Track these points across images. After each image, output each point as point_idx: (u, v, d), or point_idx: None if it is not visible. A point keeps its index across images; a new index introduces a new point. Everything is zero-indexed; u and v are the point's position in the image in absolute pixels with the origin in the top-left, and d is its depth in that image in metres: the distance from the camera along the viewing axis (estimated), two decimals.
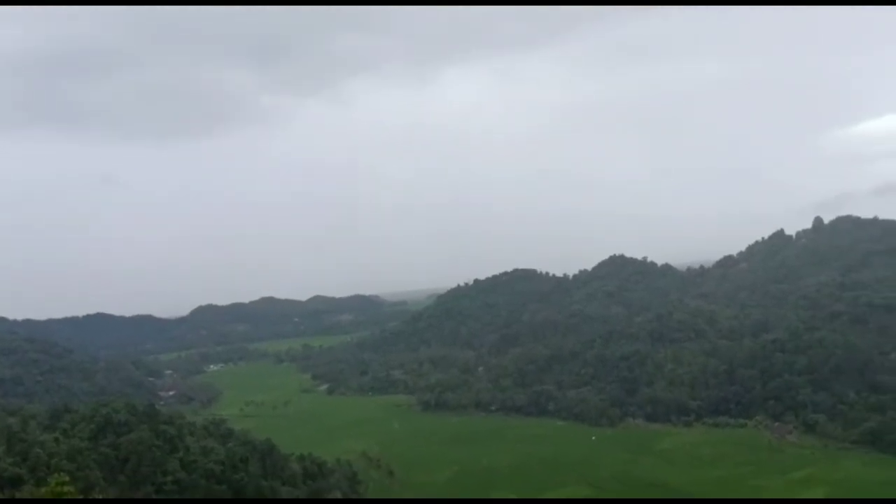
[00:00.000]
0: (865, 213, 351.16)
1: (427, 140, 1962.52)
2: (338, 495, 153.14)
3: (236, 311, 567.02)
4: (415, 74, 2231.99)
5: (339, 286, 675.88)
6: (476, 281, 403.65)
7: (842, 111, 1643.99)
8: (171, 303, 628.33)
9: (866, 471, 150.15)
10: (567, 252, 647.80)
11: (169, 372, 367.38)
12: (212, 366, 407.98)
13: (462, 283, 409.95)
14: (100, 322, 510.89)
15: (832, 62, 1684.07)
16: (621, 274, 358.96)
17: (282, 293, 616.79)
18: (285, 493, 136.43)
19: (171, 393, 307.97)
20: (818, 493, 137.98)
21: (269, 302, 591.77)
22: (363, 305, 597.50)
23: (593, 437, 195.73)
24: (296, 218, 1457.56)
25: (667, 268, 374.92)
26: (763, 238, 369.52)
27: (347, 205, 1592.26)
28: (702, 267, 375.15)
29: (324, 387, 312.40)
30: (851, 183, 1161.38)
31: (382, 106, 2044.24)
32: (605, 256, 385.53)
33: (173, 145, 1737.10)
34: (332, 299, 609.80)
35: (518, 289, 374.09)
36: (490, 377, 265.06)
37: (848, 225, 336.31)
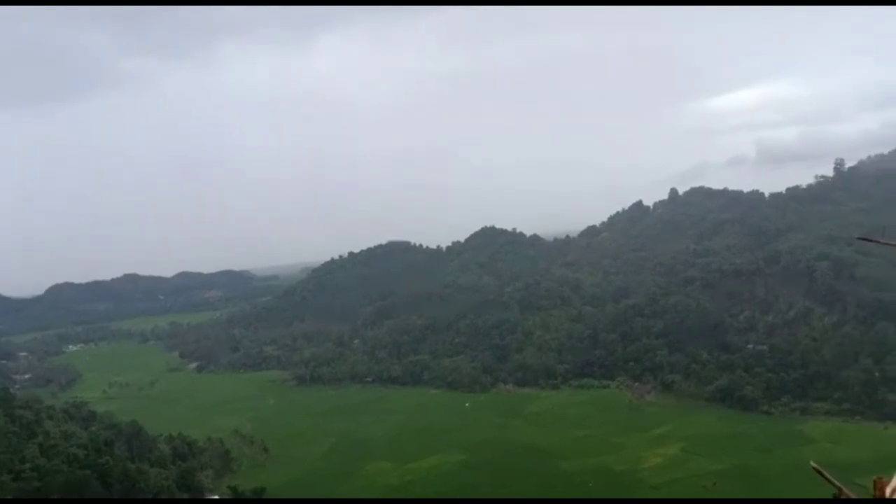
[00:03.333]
0: (718, 184, 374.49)
1: (300, 108, 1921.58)
2: (210, 474, 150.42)
3: (96, 289, 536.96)
4: (290, 39, 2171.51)
5: (206, 261, 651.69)
6: (350, 254, 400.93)
7: (699, 86, 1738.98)
8: (24, 281, 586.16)
9: (718, 425, 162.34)
10: (440, 224, 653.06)
11: (23, 354, 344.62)
12: (71, 346, 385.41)
13: (336, 257, 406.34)
14: None
15: (690, 38, 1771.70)
16: (492, 245, 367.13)
17: (145, 269, 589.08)
18: (154, 475, 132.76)
19: (26, 376, 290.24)
20: (675, 449, 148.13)
21: (131, 279, 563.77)
22: (233, 281, 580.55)
23: (467, 404, 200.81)
24: (161, 189, 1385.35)
25: (535, 238, 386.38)
26: (623, 209, 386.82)
27: (216, 175, 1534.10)
28: (567, 237, 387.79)
29: (193, 365, 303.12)
30: (707, 155, 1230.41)
31: (256, 72, 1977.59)
32: (477, 228, 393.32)
33: (26, 112, 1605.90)
34: (200, 275, 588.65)
35: (393, 261, 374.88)
36: (365, 349, 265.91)
37: (700, 196, 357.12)
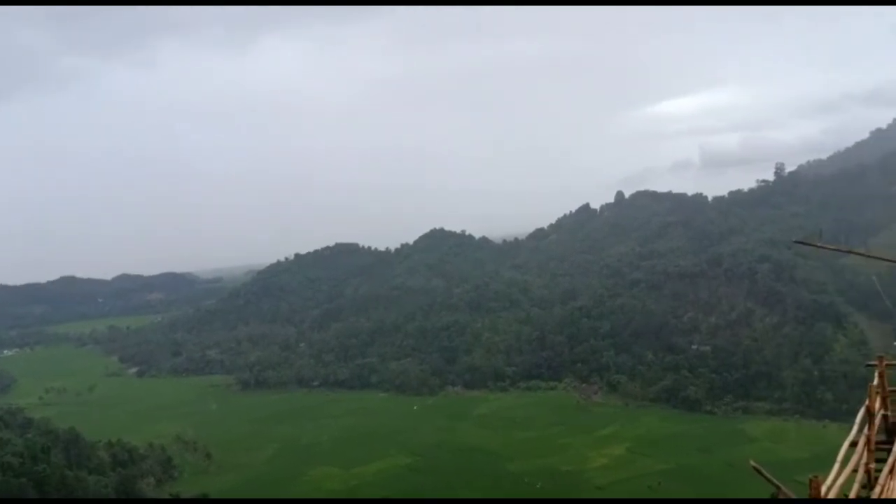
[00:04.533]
0: (663, 187, 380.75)
1: (246, 109, 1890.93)
2: (151, 482, 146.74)
3: (31, 292, 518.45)
4: (234, 40, 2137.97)
5: (147, 263, 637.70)
6: (297, 255, 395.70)
7: (645, 92, 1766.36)
8: None
9: (662, 425, 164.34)
10: (388, 226, 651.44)
11: None
12: (5, 351, 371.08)
13: (282, 259, 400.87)
14: None
15: (636, 46, 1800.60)
16: (441, 247, 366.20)
17: (83, 271, 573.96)
18: (93, 482, 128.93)
19: None
20: (621, 449, 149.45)
21: (69, 281, 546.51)
22: (175, 283, 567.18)
23: (415, 407, 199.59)
24: (101, 189, 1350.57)
25: (484, 240, 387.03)
26: (571, 211, 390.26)
27: (159, 175, 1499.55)
28: (516, 239, 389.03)
29: (133, 370, 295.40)
30: (652, 159, 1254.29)
31: (199, 72, 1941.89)
32: (426, 230, 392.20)
33: None
34: (141, 277, 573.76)
35: (340, 263, 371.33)
36: (312, 353, 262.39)
37: (646, 199, 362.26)
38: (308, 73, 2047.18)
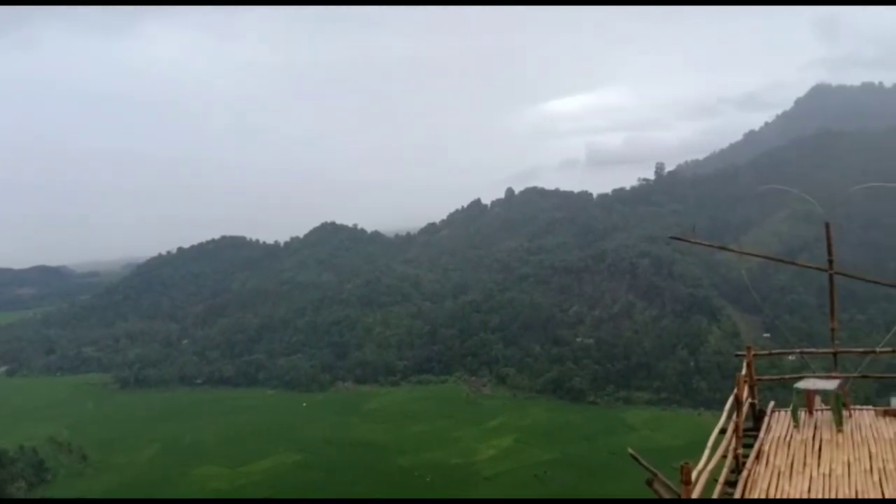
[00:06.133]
0: (552, 184, 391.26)
1: (127, 95, 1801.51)
2: (22, 486, 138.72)
3: None
4: (111, 25, 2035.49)
5: (17, 256, 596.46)
6: (180, 249, 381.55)
7: (535, 91, 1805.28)
8: None
9: (549, 416, 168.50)
10: (278, 219, 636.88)
11: None
12: None
13: (164, 252, 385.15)
14: None
15: (526, 46, 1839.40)
16: (332, 241, 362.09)
17: None
18: None
19: None
20: (509, 440, 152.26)
21: None
22: (47, 277, 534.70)
23: (304, 404, 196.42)
24: None
25: (376, 234, 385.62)
26: (462, 206, 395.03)
27: (31, 163, 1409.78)
28: (408, 234, 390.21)
29: (2, 369, 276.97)
30: (542, 157, 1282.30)
31: (77, 56, 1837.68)
32: (317, 223, 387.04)
33: None
34: (10, 271, 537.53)
35: (226, 257, 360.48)
36: (196, 350, 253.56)
37: (535, 195, 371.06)
38: (192, 59, 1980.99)
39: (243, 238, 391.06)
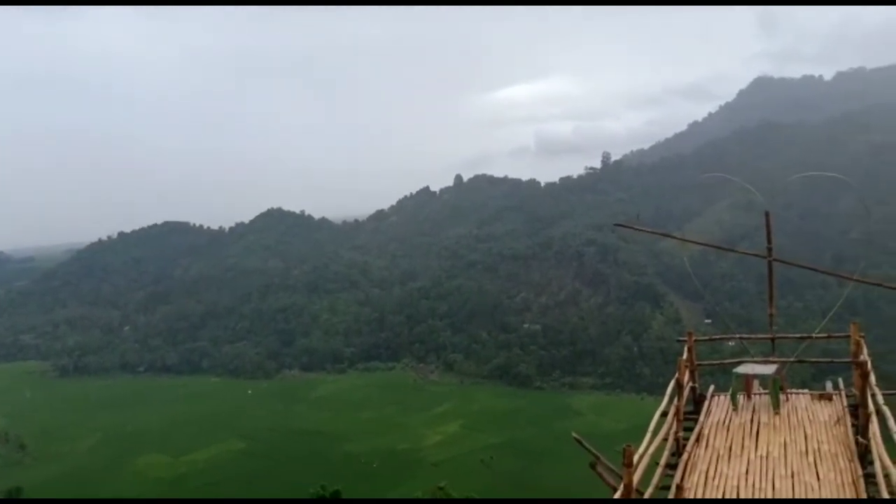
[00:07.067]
0: (501, 172, 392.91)
1: (68, 77, 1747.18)
2: None
3: None
4: (50, 10, 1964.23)
5: None
6: (121, 234, 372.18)
7: (485, 79, 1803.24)
8: None
9: (496, 401, 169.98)
10: (222, 205, 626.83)
11: None
12: None
13: (105, 237, 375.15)
14: None
15: (476, 34, 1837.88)
16: (279, 227, 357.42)
17: None
18: None
19: None
20: (455, 426, 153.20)
21: None
22: None
23: (249, 391, 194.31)
24: None
25: (324, 221, 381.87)
26: (411, 193, 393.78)
27: None
28: (356, 221, 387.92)
29: None
30: (492, 144, 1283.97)
31: (15, 39, 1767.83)
32: (264, 209, 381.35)
33: None
34: None
35: (169, 242, 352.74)
36: (137, 337, 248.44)
37: (484, 183, 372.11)
38: (139, 43, 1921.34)
39: (187, 224, 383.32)
